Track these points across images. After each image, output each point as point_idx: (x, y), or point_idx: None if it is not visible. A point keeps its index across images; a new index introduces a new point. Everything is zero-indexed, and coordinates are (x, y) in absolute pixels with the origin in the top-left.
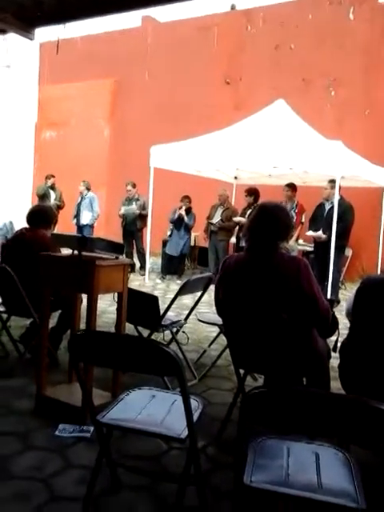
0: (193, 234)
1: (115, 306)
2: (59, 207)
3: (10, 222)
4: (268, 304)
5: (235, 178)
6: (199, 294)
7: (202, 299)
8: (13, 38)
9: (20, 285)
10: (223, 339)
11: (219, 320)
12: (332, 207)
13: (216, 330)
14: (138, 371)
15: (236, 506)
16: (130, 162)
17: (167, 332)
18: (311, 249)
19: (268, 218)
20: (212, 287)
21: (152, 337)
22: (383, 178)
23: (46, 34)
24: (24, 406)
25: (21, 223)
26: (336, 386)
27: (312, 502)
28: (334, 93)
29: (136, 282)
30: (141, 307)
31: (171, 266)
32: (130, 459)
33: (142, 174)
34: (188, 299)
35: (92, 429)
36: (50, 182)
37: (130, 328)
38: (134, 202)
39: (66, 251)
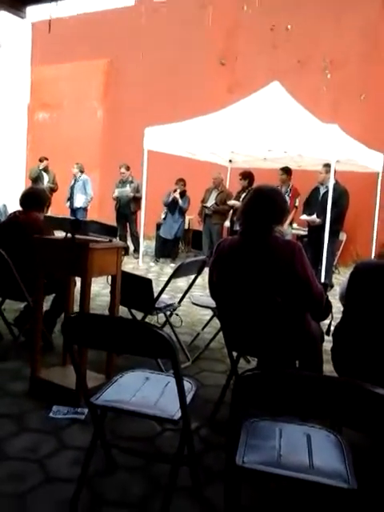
0: (187, 218)
1: (109, 289)
2: (53, 190)
3: (4, 205)
4: (262, 287)
5: (230, 161)
6: (193, 277)
7: (196, 282)
8: (4, 17)
9: (14, 268)
10: (217, 322)
11: (213, 303)
12: (327, 191)
13: (209, 313)
14: (131, 354)
15: (228, 486)
16: (124, 144)
17: (161, 315)
18: (305, 233)
19: (263, 201)
20: (206, 270)
21: (146, 320)
22: (378, 163)
23: (37, 12)
24: (18, 388)
25: (14, 206)
26: (328, 368)
27: (304, 483)
28: (330, 75)
29: (130, 265)
30: (134, 290)
31: (165, 249)
32: (124, 440)
33: (136, 157)
34: (182, 282)
35: (86, 411)
36: (43, 165)
37: (123, 311)
38: (127, 185)
39: (59, 234)
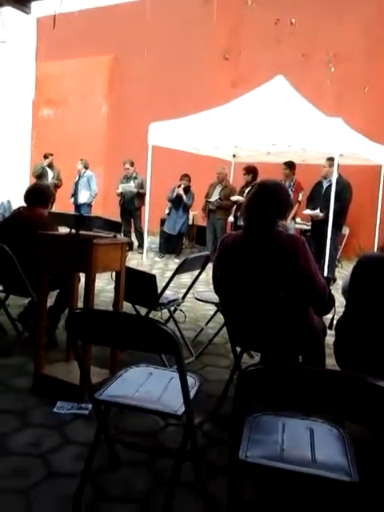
0: (191, 213)
1: (113, 285)
2: (57, 186)
3: (8, 201)
4: (266, 282)
5: (233, 155)
6: (197, 272)
7: (200, 278)
8: (9, 13)
9: (18, 264)
10: (220, 317)
11: (216, 298)
12: (330, 185)
13: (213, 308)
14: (135, 349)
15: (231, 480)
16: (128, 139)
17: (165, 310)
18: (308, 227)
19: (267, 195)
20: (210, 266)
21: (150, 315)
22: (381, 156)
23: (42, 8)
24: (22, 383)
25: (18, 202)
26: (331, 362)
27: (306, 477)
28: (334, 69)
29: (134, 261)
30: (139, 286)
31: (169, 245)
32: (127, 435)
33: (140, 152)
34: (186, 278)
35: (90, 406)
36: (46, 162)
37: (127, 306)
38: (131, 181)
39: (63, 230)
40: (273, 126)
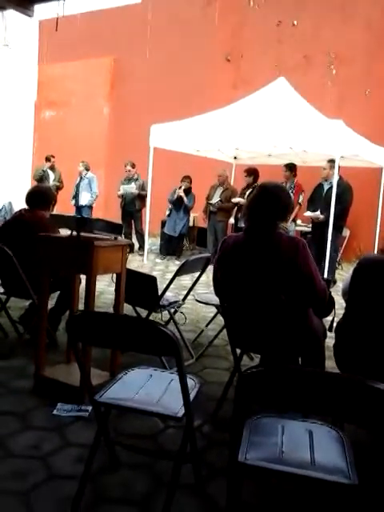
0: (192, 215)
1: (113, 287)
2: (58, 188)
3: (9, 203)
4: (266, 284)
5: (235, 157)
6: (197, 274)
7: (200, 280)
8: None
9: (19, 266)
10: (220, 319)
11: (216, 300)
12: (330, 187)
13: (213, 310)
14: (136, 351)
15: (231, 482)
16: (130, 141)
17: (165, 312)
18: (309, 229)
19: (268, 197)
20: (210, 268)
21: (150, 317)
22: (382, 158)
23: (44, 11)
24: (23, 385)
25: (20, 204)
26: (331, 365)
27: (305, 479)
28: (336, 71)
29: (134, 263)
30: (139, 288)
31: (170, 247)
32: (127, 438)
33: (142, 154)
34: (186, 280)
35: (90, 408)
36: (47, 165)
37: (128, 308)
38: (133, 182)
39: (64, 232)
40: (274, 128)
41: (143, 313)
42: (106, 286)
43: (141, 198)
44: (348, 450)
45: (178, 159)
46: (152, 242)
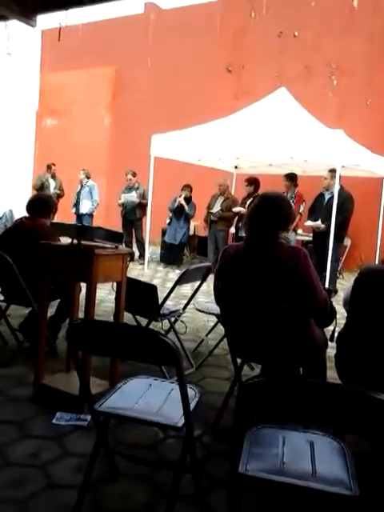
0: (192, 224)
1: (114, 295)
2: (59, 196)
3: (10, 211)
4: (267, 294)
5: (235, 167)
6: (198, 283)
7: (201, 288)
8: (14, 25)
9: (19, 274)
10: (221, 328)
11: (217, 309)
12: (331, 197)
13: (214, 319)
14: (136, 360)
15: (231, 493)
16: (131, 150)
17: (165, 321)
18: (310, 238)
19: (269, 207)
20: (211, 277)
21: (150, 326)
22: (383, 168)
23: (47, 21)
24: (22, 394)
25: (20, 212)
26: (332, 375)
27: (306, 490)
28: (337, 82)
29: (135, 271)
30: (139, 296)
31: (170, 255)
32: (126, 447)
33: (143, 163)
34: (186, 288)
35: (89, 417)
36: (48, 174)
37: (128, 317)
38: (133, 191)
39: (65, 240)
40: (275, 138)
41: (143, 321)
42: (106, 294)
43: (141, 206)
44: (349, 461)
45: (178, 168)
46: (152, 251)
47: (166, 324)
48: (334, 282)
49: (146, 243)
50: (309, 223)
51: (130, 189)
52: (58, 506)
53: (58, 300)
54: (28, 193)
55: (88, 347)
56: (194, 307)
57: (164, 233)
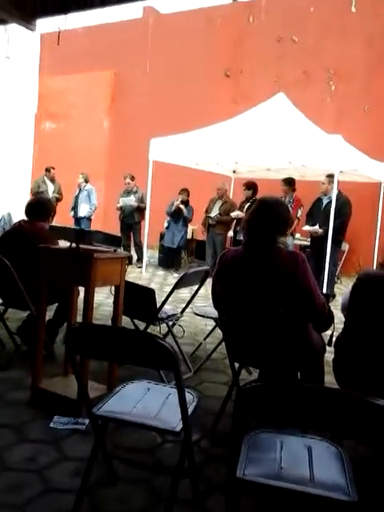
0: (191, 227)
1: (112, 299)
2: (58, 200)
3: (8, 214)
4: (265, 298)
5: (234, 171)
6: (196, 287)
7: (199, 292)
8: (13, 29)
9: (17, 277)
10: (219, 333)
11: (215, 313)
12: (329, 202)
13: (212, 323)
14: (134, 364)
15: (229, 498)
16: (129, 154)
17: (163, 325)
18: (308, 243)
19: (267, 212)
20: (209, 280)
21: (148, 330)
22: (381, 173)
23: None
24: (20, 397)
25: (19, 215)
26: (330, 380)
27: (304, 495)
28: (335, 87)
29: (133, 275)
30: (138, 300)
31: (168, 259)
32: (124, 452)
33: (141, 167)
34: (184, 292)
35: (87, 421)
36: (47, 176)
37: (126, 321)
38: (132, 195)
39: (63, 244)
40: (273, 143)
41: (141, 325)
42: (104, 297)
43: (140, 210)
44: (347, 466)
45: (177, 172)
46: (150, 255)
47: (163, 328)
48: (331, 287)
49: (145, 247)
50: (307, 228)
51: (128, 192)
52: (55, 510)
53: (56, 304)
54: (26, 196)
55: (86, 351)
56: (192, 311)
57: (162, 237)
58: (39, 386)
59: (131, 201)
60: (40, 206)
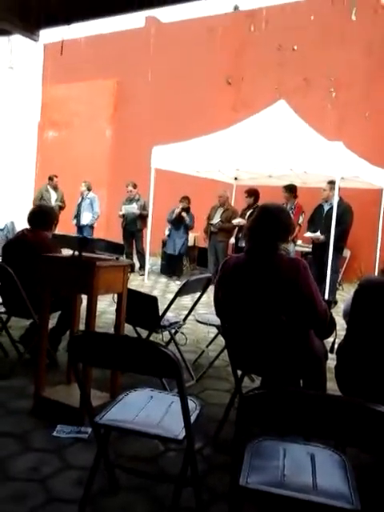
0: (192, 235)
1: (114, 307)
2: (61, 208)
3: (11, 223)
4: (267, 306)
5: (235, 178)
6: (198, 294)
7: (201, 300)
8: (17, 39)
9: (20, 285)
10: (221, 340)
11: (217, 321)
12: (331, 208)
13: (214, 330)
14: (136, 372)
15: (232, 507)
16: (131, 162)
17: (166, 333)
18: (309, 249)
19: (269, 219)
20: (211, 288)
21: (151, 337)
22: (382, 180)
23: (49, 34)
24: (22, 406)
25: (22, 224)
26: (332, 387)
27: (307, 504)
28: (335, 94)
29: (135, 282)
30: (140, 308)
31: (171, 267)
32: (127, 460)
33: (143, 175)
34: (187, 300)
35: (90, 430)
36: (50, 187)
37: (128, 328)
38: (134, 202)
39: (66, 252)
40: (274, 150)
41: (144, 333)
42: (106, 305)
43: (142, 218)
44: (350, 474)
45: (178, 180)
46: (153, 262)
47: (166, 335)
48: (333, 294)
49: (147, 254)
50: (308, 234)
51: (130, 200)
52: None
53: (59, 312)
54: (29, 205)
55: (89, 359)
56: (195, 319)
57: (164, 244)
58: (42, 394)
59: (133, 208)
60: (43, 215)
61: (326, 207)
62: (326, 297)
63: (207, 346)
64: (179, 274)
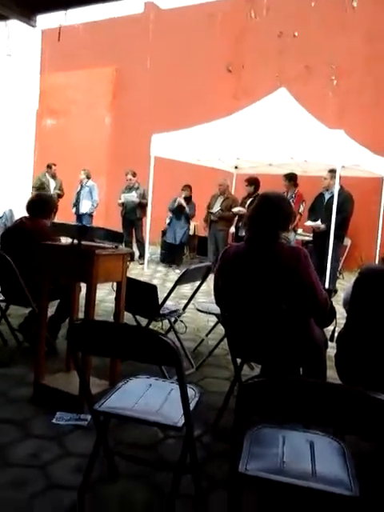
0: (192, 224)
1: (114, 295)
2: (59, 196)
3: (10, 211)
4: (267, 294)
5: (236, 167)
6: (198, 283)
7: (201, 288)
8: (14, 25)
9: (19, 274)
10: (221, 329)
11: (217, 309)
12: (331, 197)
13: (214, 319)
14: (135, 360)
15: (231, 494)
16: (131, 150)
17: (165, 321)
18: (310, 238)
19: (270, 207)
20: (211, 277)
21: (150, 326)
22: (383, 168)
23: (47, 21)
24: (22, 394)
25: (21, 212)
26: (332, 375)
27: (306, 490)
28: (337, 82)
29: (135, 271)
30: (139, 296)
31: (170, 256)
32: (126, 447)
33: (143, 163)
34: (186, 288)
35: (89, 417)
36: (48, 173)
37: (128, 317)
38: (133, 191)
39: (65, 240)
40: (275, 138)
41: (143, 321)
42: (106, 294)
43: (141, 206)
44: (349, 461)
45: (178, 168)
46: (152, 251)
47: (166, 324)
48: (334, 282)
49: (146, 243)
50: (309, 223)
51: (130, 189)
52: (57, 506)
53: (58, 300)
54: (28, 193)
55: (88, 347)
56: (194, 307)
57: (164, 233)
58: (41, 382)
59: (133, 197)
60: (41, 203)
61: (327, 196)
62: (327, 285)
63: (207, 335)
64: (179, 262)
